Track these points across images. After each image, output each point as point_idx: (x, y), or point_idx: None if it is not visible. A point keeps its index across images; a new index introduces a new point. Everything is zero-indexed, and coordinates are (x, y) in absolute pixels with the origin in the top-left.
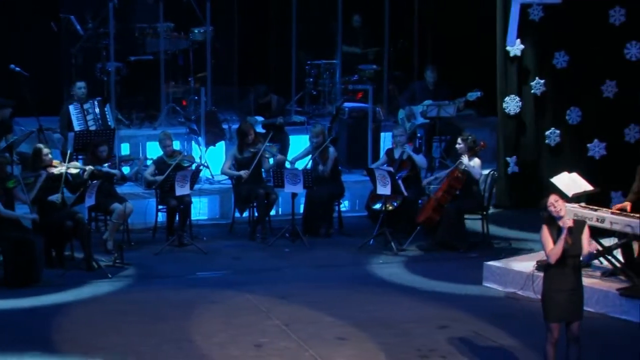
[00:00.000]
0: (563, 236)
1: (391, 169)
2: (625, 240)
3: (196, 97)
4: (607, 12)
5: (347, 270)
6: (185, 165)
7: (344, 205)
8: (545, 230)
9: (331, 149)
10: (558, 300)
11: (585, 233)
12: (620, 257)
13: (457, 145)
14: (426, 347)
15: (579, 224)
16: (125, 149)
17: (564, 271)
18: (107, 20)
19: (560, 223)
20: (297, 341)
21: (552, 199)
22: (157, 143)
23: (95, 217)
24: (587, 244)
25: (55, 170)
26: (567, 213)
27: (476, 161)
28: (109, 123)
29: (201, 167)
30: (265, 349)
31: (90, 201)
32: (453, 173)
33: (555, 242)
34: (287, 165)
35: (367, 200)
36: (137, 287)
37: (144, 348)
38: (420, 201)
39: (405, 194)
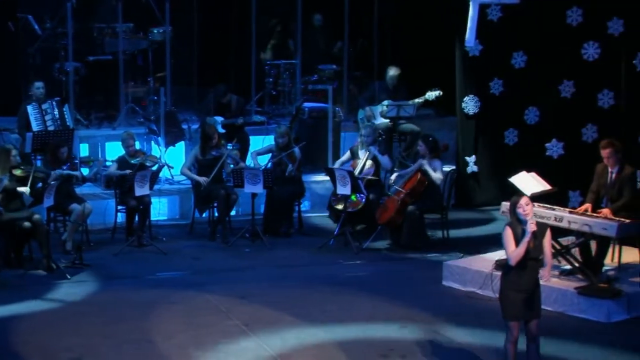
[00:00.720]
0: (526, 239)
1: (351, 169)
2: (583, 239)
3: (155, 97)
4: (564, 13)
5: (308, 270)
6: (148, 165)
7: (304, 205)
8: (508, 231)
9: (296, 150)
10: (516, 299)
11: (547, 237)
12: (578, 256)
13: (419, 147)
14: (386, 347)
15: (541, 227)
16: (84, 149)
17: (523, 272)
18: (66, 20)
19: (526, 226)
20: (256, 341)
21: (524, 201)
22: (117, 143)
23: (54, 218)
24: (549, 248)
25: (20, 173)
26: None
27: (437, 164)
28: (68, 123)
29: (164, 167)
30: (224, 349)
31: (48, 202)
32: (415, 176)
33: (517, 243)
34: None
35: (329, 199)
36: (97, 288)
37: (104, 349)
38: (381, 201)
39: (365, 193)
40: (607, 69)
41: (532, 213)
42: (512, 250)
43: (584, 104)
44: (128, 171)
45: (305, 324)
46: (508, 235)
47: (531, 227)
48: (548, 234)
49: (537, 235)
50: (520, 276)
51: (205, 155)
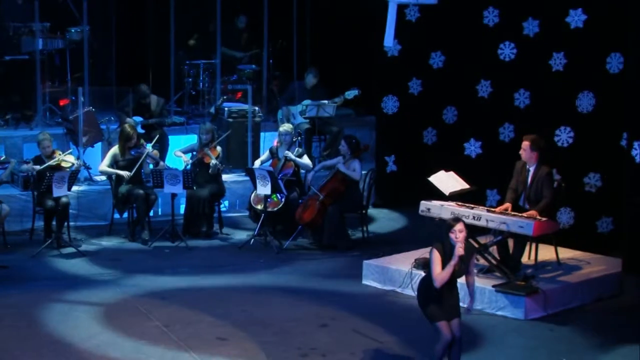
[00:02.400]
0: (453, 262)
1: (271, 168)
2: (501, 237)
3: (73, 97)
4: (481, 13)
5: (227, 271)
6: (66, 166)
7: (224, 205)
8: (435, 254)
9: (219, 147)
10: (438, 302)
11: (472, 261)
12: (496, 254)
13: (340, 147)
14: (306, 346)
15: (468, 251)
16: (0, 150)
17: (444, 289)
18: None
19: (455, 251)
20: (177, 342)
21: (458, 227)
22: (35, 144)
23: None
24: (472, 271)
25: None
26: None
27: (356, 164)
28: None
29: (81, 168)
30: (145, 351)
31: None
32: (336, 176)
33: (444, 265)
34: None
35: (249, 199)
36: (14, 290)
37: (21, 352)
38: (300, 200)
39: (285, 193)
40: (523, 69)
41: (464, 239)
42: (438, 273)
43: (501, 103)
44: (37, 166)
45: (225, 324)
46: (435, 257)
47: (459, 251)
48: (473, 258)
49: (464, 259)
50: (440, 292)
51: (124, 155)
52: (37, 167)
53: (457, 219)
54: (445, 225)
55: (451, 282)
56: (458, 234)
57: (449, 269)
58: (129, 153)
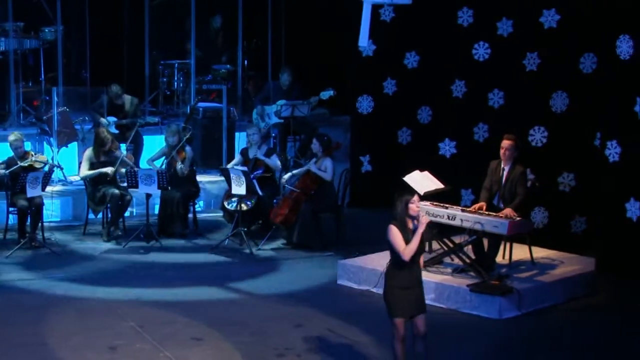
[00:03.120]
0: (420, 230)
1: (246, 168)
2: (476, 237)
3: (47, 98)
4: (455, 13)
5: (202, 271)
6: (38, 167)
7: (199, 205)
8: (395, 229)
9: (188, 148)
10: (402, 296)
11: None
12: (471, 254)
13: (312, 146)
14: (282, 346)
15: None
16: None
17: (408, 269)
18: None
19: (421, 219)
20: (152, 342)
21: (417, 197)
22: (7, 145)
23: None
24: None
25: None
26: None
27: (327, 162)
28: None
29: (54, 169)
30: (120, 351)
31: None
32: (308, 174)
33: (406, 240)
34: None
35: (222, 199)
36: None
37: None
38: (275, 200)
39: (260, 193)
40: (497, 68)
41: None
42: (404, 247)
43: (475, 103)
44: (5, 172)
45: (200, 324)
46: (396, 233)
47: (425, 218)
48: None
49: (428, 227)
50: (406, 273)
51: (99, 158)
52: (5, 172)
53: (411, 193)
54: (403, 201)
55: (417, 276)
56: (418, 204)
57: (417, 237)
58: (103, 156)
